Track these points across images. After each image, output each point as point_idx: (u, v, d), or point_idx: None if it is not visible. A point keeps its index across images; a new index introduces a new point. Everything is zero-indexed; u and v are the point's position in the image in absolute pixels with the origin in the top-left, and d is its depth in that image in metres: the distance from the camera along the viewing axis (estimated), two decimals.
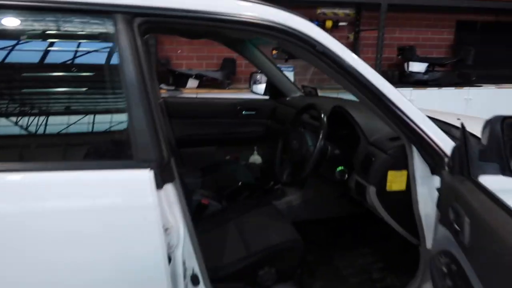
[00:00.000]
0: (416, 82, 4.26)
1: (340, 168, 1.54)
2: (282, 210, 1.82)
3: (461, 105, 4.18)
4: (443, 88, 4.27)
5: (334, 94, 3.48)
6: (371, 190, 1.36)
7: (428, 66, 4.34)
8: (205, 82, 4.01)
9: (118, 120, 1.09)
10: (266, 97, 2.55)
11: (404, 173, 1.29)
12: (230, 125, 2.48)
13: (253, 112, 2.50)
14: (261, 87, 2.62)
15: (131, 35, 1.01)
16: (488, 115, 1.20)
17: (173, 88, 3.85)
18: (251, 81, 2.75)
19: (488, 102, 4.24)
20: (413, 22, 4.83)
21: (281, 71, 2.45)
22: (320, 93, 2.53)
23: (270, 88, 2.50)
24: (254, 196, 1.96)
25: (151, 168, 0.98)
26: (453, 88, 4.32)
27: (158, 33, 2.68)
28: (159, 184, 1.00)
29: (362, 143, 1.48)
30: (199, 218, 1.70)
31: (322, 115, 1.55)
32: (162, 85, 3.88)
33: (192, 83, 3.93)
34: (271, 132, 2.52)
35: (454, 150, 1.12)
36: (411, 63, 4.34)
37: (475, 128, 1.31)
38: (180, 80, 3.91)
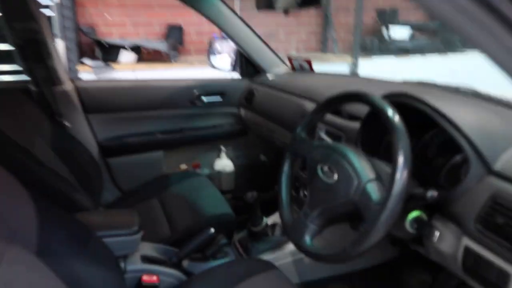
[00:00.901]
0: (399, 50, 3.65)
1: (415, 213, 0.77)
2: (287, 269, 1.06)
3: (447, 73, 3.69)
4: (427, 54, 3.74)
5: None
6: None
7: (412, 33, 3.74)
8: (144, 56, 3.16)
9: None
10: (236, 74, 1.74)
11: None
12: (185, 118, 1.67)
13: (219, 98, 1.69)
14: (225, 60, 1.81)
15: None
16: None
17: (101, 64, 2.93)
18: (210, 50, 1.92)
19: (475, 70, 3.81)
20: None
21: (258, 35, 1.64)
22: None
23: (242, 61, 1.70)
24: (236, 244, 1.18)
25: None
26: (437, 54, 3.80)
27: None
28: None
29: (474, 170, 0.72)
30: None
31: (395, 120, 0.72)
32: (85, 60, 2.95)
33: (127, 56, 3.05)
34: (246, 127, 1.74)
35: None
36: (392, 29, 3.70)
37: None
38: (110, 53, 3.03)
